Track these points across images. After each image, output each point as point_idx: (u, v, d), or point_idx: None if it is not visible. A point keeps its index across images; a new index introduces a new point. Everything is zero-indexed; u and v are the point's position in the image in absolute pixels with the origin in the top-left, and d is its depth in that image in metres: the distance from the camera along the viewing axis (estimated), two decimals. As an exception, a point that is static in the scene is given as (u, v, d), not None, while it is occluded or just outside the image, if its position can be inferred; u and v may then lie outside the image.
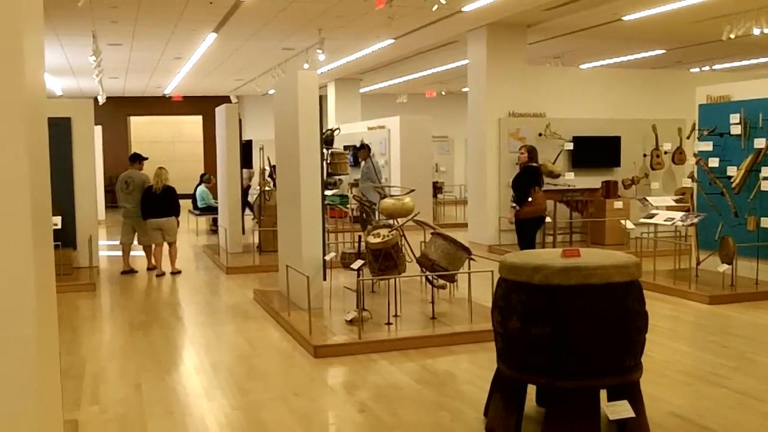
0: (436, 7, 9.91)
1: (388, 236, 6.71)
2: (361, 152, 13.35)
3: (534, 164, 9.65)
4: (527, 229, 9.46)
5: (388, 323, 6.77)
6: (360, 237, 7.58)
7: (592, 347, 4.03)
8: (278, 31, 13.27)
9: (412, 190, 7.49)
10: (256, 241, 12.17)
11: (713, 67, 19.26)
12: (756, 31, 11.57)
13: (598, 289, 4.03)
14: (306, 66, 15.02)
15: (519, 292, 4.17)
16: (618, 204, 12.33)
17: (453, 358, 6.21)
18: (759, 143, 8.73)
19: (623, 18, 12.57)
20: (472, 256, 7.09)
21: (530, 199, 9.28)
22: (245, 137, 16.33)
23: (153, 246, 10.81)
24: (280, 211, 8.59)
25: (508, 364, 4.31)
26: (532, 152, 9.70)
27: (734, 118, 9.04)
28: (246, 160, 13.34)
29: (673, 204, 10.40)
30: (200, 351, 6.68)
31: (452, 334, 6.58)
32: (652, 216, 9.20)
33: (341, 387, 5.58)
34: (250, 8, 11.18)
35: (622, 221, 10.82)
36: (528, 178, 9.47)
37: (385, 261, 6.74)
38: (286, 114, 7.93)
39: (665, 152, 12.99)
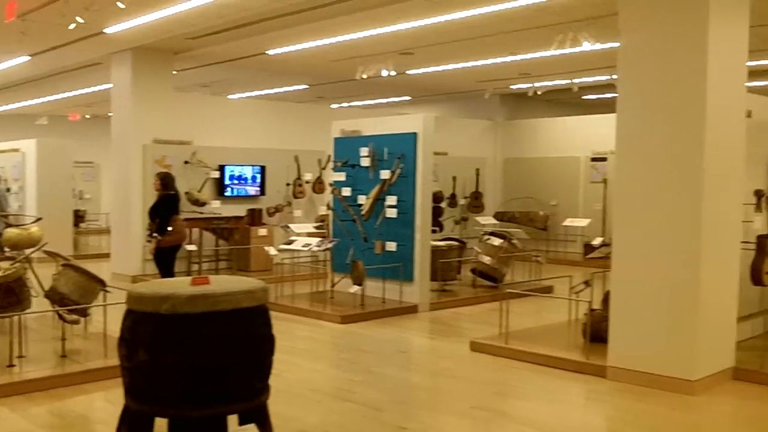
0: (73, 25, 9.44)
1: (8, 269, 6.20)
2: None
3: (171, 192, 9.51)
4: (168, 258, 9.31)
5: (11, 365, 6.21)
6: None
7: (222, 374, 4.06)
8: None
9: (39, 219, 7.02)
10: None
11: (351, 104, 20.69)
12: (384, 73, 12.67)
13: (226, 316, 4.07)
14: (-77, 80, 13.41)
15: (146, 323, 4.07)
16: (262, 231, 12.69)
17: (86, 397, 5.89)
18: (384, 174, 9.56)
19: (268, 52, 13.00)
20: (107, 288, 6.81)
21: (170, 228, 9.15)
22: None
23: None
24: None
25: (136, 399, 4.18)
26: (166, 179, 9.54)
27: (364, 151, 9.82)
28: None
29: (314, 231, 10.97)
30: None
31: (85, 372, 6.24)
32: (291, 242, 9.61)
33: (-52, 441, 5.02)
34: None
35: (266, 248, 11.15)
36: (166, 207, 9.32)
37: (7, 297, 6.21)
38: None
39: (306, 182, 13.69)
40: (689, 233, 5.89)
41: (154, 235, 9.21)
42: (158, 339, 4.03)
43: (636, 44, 6.22)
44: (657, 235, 6.07)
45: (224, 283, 4.32)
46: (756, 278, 6.72)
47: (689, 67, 5.88)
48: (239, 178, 13.26)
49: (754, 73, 13.43)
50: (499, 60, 13.39)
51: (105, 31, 10.90)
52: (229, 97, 17.80)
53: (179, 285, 4.25)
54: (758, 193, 6.74)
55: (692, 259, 5.88)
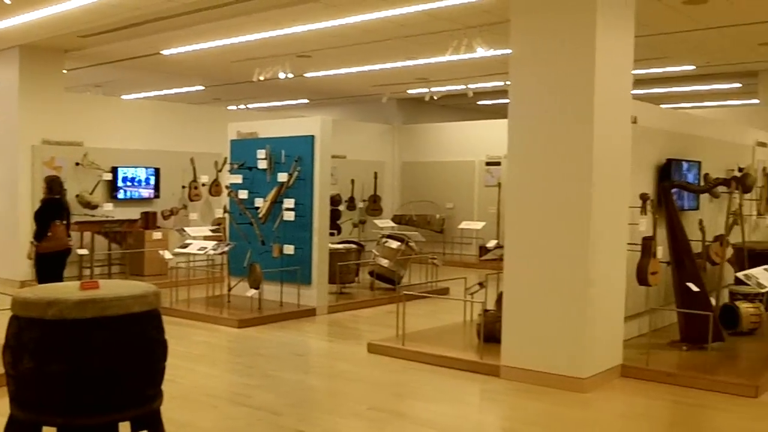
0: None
1: None
2: None
3: (56, 196, 9.14)
4: (49, 265, 8.94)
5: None
6: None
7: (112, 380, 3.96)
8: None
9: None
10: None
11: (249, 106, 20.49)
12: (281, 75, 12.61)
13: (116, 321, 3.97)
14: None
15: (32, 330, 3.92)
16: (157, 235, 12.42)
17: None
18: (282, 177, 9.51)
19: (162, 52, 12.73)
20: (-10, 294, 6.53)
21: (50, 234, 8.79)
22: None
23: None
24: None
25: (21, 408, 4.02)
26: (51, 184, 9.15)
27: (261, 153, 9.75)
28: None
29: (210, 234, 10.82)
30: None
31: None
32: (186, 246, 9.45)
33: None
34: None
35: (161, 252, 10.92)
36: (47, 212, 8.96)
37: None
38: None
39: (203, 184, 13.49)
40: (578, 235, 6.09)
41: (32, 240, 8.87)
42: (44, 345, 3.89)
43: (526, 51, 6.40)
44: (547, 237, 6.25)
45: (114, 288, 4.21)
46: (642, 278, 7.02)
47: (577, 74, 6.09)
48: (133, 180, 12.93)
49: (640, 81, 14.07)
50: (396, 65, 13.53)
51: (-11, 26, 10.48)
52: (123, 97, 17.34)
53: (67, 290, 4.11)
54: (644, 197, 7.03)
55: (581, 260, 6.08)
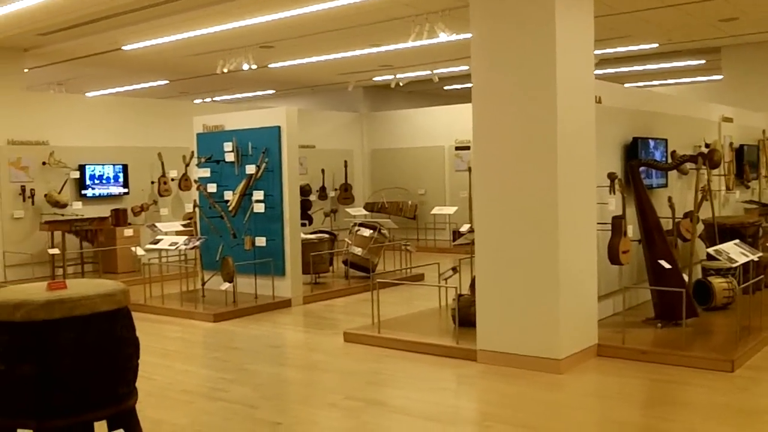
0: None
1: None
2: None
3: None
4: None
5: None
6: None
7: (83, 381, 3.92)
8: None
9: None
10: None
11: (215, 99, 20.34)
12: (245, 67, 12.53)
13: (84, 321, 3.93)
14: None
15: (1, 333, 3.88)
16: (128, 232, 12.34)
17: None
18: (250, 169, 9.46)
19: (123, 48, 12.60)
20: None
21: None
22: None
23: None
24: None
25: (-7, 412, 3.99)
26: None
27: (228, 146, 9.69)
28: None
29: (182, 229, 10.75)
30: None
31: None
32: (157, 242, 9.38)
33: None
34: None
35: (133, 248, 10.85)
36: None
37: None
38: None
39: (172, 179, 13.38)
40: (547, 217, 6.11)
41: None
42: (14, 348, 3.84)
43: (487, 34, 6.38)
44: (516, 220, 6.27)
45: (82, 287, 4.17)
46: (613, 257, 7.07)
47: (539, 55, 6.08)
48: (101, 177, 12.80)
49: (603, 61, 14.15)
50: (359, 52, 13.50)
51: (-55, 27, 10.30)
52: (87, 94, 17.14)
53: (34, 291, 4.06)
54: (611, 176, 7.07)
55: (551, 241, 6.10)
